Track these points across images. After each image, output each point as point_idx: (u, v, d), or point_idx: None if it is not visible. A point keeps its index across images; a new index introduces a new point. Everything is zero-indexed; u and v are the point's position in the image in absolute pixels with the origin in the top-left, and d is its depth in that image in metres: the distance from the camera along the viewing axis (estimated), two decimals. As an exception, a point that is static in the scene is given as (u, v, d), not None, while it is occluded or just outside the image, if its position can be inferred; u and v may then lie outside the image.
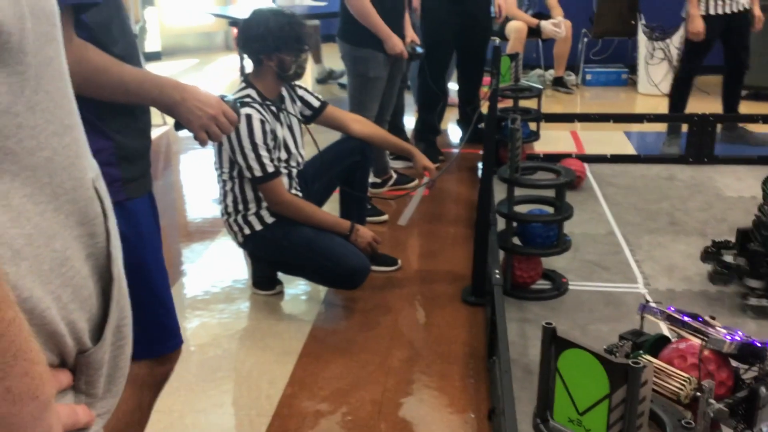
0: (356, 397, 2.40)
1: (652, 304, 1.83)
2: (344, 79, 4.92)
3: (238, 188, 2.86)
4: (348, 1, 3.64)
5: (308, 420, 2.29)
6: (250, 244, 2.94)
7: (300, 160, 2.98)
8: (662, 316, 1.78)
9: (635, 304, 2.18)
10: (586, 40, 6.76)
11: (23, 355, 0.60)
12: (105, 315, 0.76)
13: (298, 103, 3.03)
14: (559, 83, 6.53)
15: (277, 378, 2.50)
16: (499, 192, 3.09)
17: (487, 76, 3.51)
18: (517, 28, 6.00)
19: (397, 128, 4.44)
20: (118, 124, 1.47)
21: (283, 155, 2.88)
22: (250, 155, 2.74)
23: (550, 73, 6.66)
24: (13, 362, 0.59)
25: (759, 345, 1.62)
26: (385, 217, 3.77)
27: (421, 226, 3.73)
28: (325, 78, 6.80)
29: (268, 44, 2.77)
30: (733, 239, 2.83)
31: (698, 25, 4.47)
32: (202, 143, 1.55)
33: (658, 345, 1.76)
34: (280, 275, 3.13)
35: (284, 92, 2.96)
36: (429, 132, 4.76)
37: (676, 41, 6.11)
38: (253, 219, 2.88)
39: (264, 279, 3.11)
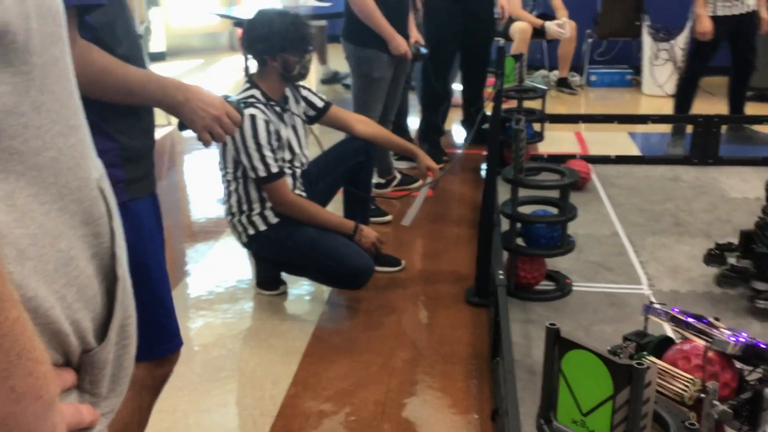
0: (359, 397, 2.40)
1: (656, 306, 1.83)
2: (349, 80, 4.92)
3: (242, 188, 2.86)
4: (352, 2, 3.64)
5: (311, 420, 2.29)
6: (254, 244, 2.95)
7: (304, 160, 2.99)
8: (666, 318, 1.78)
9: (639, 305, 2.17)
10: (590, 40, 6.75)
11: (27, 354, 0.60)
12: (109, 314, 0.76)
13: (302, 104, 3.03)
14: (563, 84, 6.51)
15: (280, 378, 2.50)
16: (503, 193, 3.09)
17: (491, 77, 3.51)
18: (521, 28, 6.00)
19: (401, 129, 4.44)
20: (122, 124, 1.46)
21: (287, 155, 2.89)
22: (255, 155, 2.74)
23: (555, 74, 6.65)
24: (17, 361, 0.59)
25: (763, 346, 1.62)
26: (389, 217, 3.77)
27: (425, 227, 3.73)
28: (330, 79, 6.79)
29: (273, 45, 2.77)
30: (737, 241, 2.82)
31: (706, 25, 4.47)
32: (206, 144, 1.55)
33: (662, 346, 1.76)
34: (284, 275, 3.13)
35: (288, 93, 2.96)
36: (433, 132, 4.75)
37: (680, 42, 6.11)
38: (257, 219, 2.88)
39: (268, 279, 3.11)
